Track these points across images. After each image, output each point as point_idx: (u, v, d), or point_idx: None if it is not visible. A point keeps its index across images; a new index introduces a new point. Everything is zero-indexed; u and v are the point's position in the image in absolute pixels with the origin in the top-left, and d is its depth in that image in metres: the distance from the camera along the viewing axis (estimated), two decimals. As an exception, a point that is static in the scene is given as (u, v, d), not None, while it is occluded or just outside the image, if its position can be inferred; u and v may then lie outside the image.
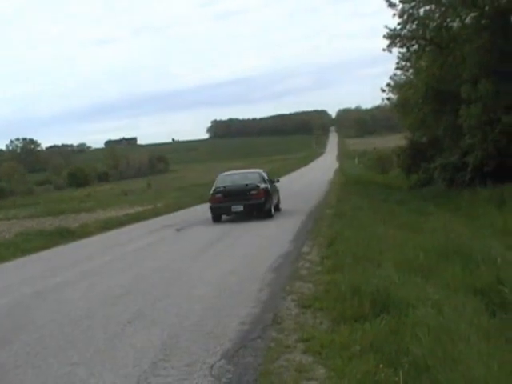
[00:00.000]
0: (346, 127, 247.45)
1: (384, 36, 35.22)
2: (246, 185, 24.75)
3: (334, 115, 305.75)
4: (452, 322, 7.13)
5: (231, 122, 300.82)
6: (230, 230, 21.69)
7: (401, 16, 34.11)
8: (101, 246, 21.16)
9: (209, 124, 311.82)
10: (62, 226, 26.71)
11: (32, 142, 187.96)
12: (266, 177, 26.74)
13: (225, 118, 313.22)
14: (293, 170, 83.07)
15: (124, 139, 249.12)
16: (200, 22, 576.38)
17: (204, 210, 31.24)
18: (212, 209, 24.84)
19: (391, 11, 34.30)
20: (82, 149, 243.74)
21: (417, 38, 34.87)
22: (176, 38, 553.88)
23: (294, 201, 30.36)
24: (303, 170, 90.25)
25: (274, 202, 26.09)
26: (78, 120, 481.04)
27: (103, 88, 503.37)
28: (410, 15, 34.00)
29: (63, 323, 9.69)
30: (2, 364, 7.79)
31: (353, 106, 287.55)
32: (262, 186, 24.94)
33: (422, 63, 37.03)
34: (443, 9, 32.95)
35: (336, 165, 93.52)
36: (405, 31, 34.73)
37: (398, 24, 34.51)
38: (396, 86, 45.49)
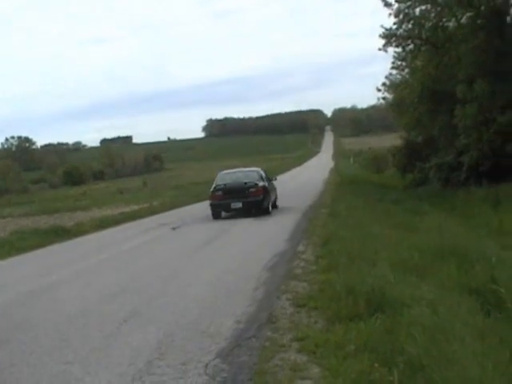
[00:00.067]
0: (341, 126, 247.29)
1: (380, 35, 35.28)
2: (245, 183, 25.60)
3: (329, 114, 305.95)
4: (447, 321, 7.14)
5: (227, 120, 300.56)
6: (226, 229, 21.69)
7: (396, 15, 34.14)
8: (96, 244, 21.15)
9: (204, 123, 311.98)
10: (57, 225, 26.70)
11: (27, 140, 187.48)
12: (264, 175, 27.46)
13: (220, 116, 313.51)
14: (288, 169, 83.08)
15: (119, 138, 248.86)
16: (197, 21, 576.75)
17: (200, 208, 31.45)
18: (212, 206, 25.55)
19: (387, 11, 34.35)
20: (78, 147, 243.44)
21: (412, 37, 34.91)
22: (173, 37, 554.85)
23: (288, 201, 30.29)
24: (298, 169, 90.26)
25: (272, 199, 26.87)
26: (73, 118, 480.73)
27: (99, 87, 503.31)
28: (406, 15, 34.03)
29: (58, 322, 9.68)
30: (-3, 362, 7.80)
31: (348, 106, 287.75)
32: (261, 184, 25.72)
33: (418, 63, 37.06)
34: (439, 8, 32.99)
35: (331, 164, 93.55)
36: (400, 31, 34.76)
37: (394, 23, 34.57)
38: (392, 86, 45.50)
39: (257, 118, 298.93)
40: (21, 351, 8.17)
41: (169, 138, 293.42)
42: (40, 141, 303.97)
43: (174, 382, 6.51)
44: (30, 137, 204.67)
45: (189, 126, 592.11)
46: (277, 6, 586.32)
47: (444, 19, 33.35)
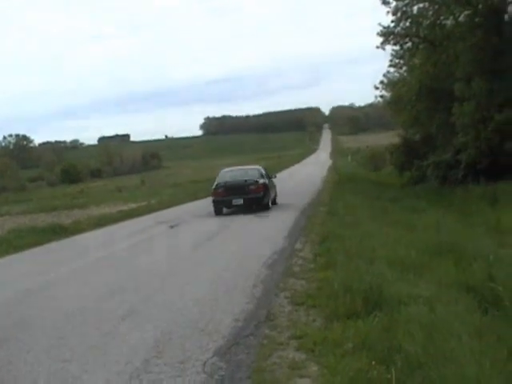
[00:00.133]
0: (339, 124, 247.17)
1: (378, 34, 35.34)
2: (246, 180, 26.51)
3: (327, 112, 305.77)
4: (444, 319, 7.15)
5: (224, 118, 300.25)
6: (224, 226, 21.71)
7: (394, 14, 34.19)
8: (94, 242, 21.12)
9: (202, 121, 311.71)
10: (55, 223, 26.66)
11: (25, 138, 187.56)
12: (264, 173, 28.32)
13: (218, 114, 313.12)
14: (286, 167, 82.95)
15: (117, 136, 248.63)
16: (195, 19, 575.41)
17: (198, 206, 31.57)
18: (214, 202, 26.41)
19: (385, 9, 34.38)
20: (75, 145, 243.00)
21: (410, 35, 34.96)
22: (170, 36, 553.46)
23: (286, 199, 30.32)
24: (296, 167, 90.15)
25: (272, 196, 27.72)
26: (70, 116, 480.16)
27: (96, 84, 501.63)
28: (404, 13, 34.08)
29: (56, 320, 9.68)
30: (-5, 361, 7.80)
31: (346, 104, 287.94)
32: (261, 181, 26.63)
33: (416, 61, 37.11)
34: (437, 6, 33.03)
35: (329, 162, 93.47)
36: (398, 29, 34.83)
37: (392, 22, 34.64)
38: (389, 84, 45.56)
39: (254, 116, 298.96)
40: (18, 349, 8.17)
41: (166, 136, 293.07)
42: (38, 139, 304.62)
43: (171, 380, 6.51)
44: (28, 135, 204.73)
45: (187, 124, 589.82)
46: (275, 4, 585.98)
47: (442, 17, 33.40)
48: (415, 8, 34.10)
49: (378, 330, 7.09)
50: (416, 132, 42.58)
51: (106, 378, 6.72)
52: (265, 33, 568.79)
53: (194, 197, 39.65)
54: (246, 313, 9.03)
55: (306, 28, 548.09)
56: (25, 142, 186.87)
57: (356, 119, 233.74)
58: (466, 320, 7.32)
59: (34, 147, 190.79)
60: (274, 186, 29.34)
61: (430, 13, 33.75)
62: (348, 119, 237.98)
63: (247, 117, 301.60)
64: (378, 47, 36.02)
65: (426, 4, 33.75)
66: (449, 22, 33.50)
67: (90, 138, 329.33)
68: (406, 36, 35.06)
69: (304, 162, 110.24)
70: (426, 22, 33.87)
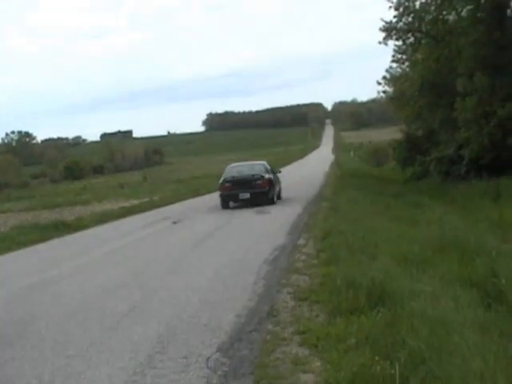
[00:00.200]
0: (341, 120, 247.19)
1: (380, 29, 35.27)
2: (252, 175, 27.58)
3: (329, 108, 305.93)
4: (448, 314, 7.14)
5: (227, 114, 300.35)
6: (227, 222, 21.74)
7: (397, 9, 34.13)
8: (97, 238, 21.17)
9: (204, 117, 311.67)
10: (58, 219, 26.69)
11: (27, 135, 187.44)
12: (269, 168, 29.32)
13: (220, 110, 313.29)
14: (288, 162, 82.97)
15: (119, 132, 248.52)
16: (196, 13, 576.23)
17: (200, 202, 31.70)
18: (222, 196, 27.43)
19: (387, 4, 34.33)
20: (78, 142, 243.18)
21: (413, 30, 34.89)
22: (172, 30, 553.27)
23: (289, 195, 30.50)
24: (299, 162, 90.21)
25: (276, 190, 28.71)
26: (73, 113, 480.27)
27: (99, 81, 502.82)
28: (406, 8, 34.02)
29: (59, 316, 9.70)
30: (-1, 357, 7.81)
31: (348, 99, 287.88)
32: (266, 176, 27.57)
33: (418, 56, 36.99)
34: (439, 1, 32.93)
35: (332, 157, 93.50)
36: (401, 24, 34.75)
37: (394, 17, 34.56)
38: (392, 79, 45.47)
39: (257, 111, 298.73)
40: (22, 345, 8.18)
41: (169, 132, 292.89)
42: (40, 135, 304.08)
43: (175, 375, 6.52)
44: (31, 131, 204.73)
45: (189, 120, 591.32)
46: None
47: (444, 12, 33.30)
48: (417, 3, 34.04)
49: (381, 326, 7.08)
50: (418, 127, 42.51)
51: (110, 374, 6.73)
52: (267, 29, 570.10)
53: (197, 193, 39.75)
54: (248, 309, 9.04)
55: (308, 23, 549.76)
56: (27, 139, 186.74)
57: (358, 115, 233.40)
58: (469, 315, 7.31)
59: (37, 144, 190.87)
60: (279, 181, 30.13)
61: (433, 8, 33.68)
62: (350, 115, 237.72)
63: (249, 113, 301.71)
64: (380, 42, 35.98)
65: (429, -1, 33.71)
66: (451, 17, 33.40)
67: (92, 134, 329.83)
68: (409, 31, 34.99)
69: (306, 157, 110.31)
70: (429, 17, 33.79)
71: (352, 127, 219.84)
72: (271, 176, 28.11)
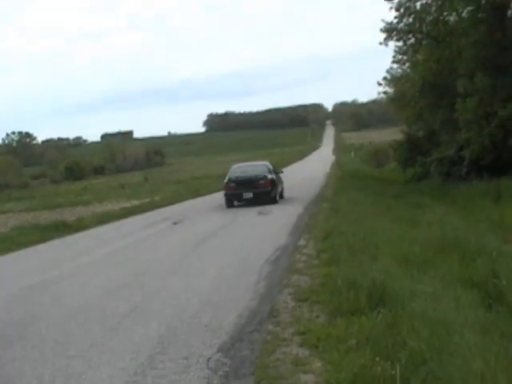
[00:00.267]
0: (342, 121, 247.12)
1: (381, 30, 35.30)
2: (256, 175, 28.37)
3: (330, 109, 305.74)
4: (448, 315, 7.15)
5: (227, 115, 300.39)
6: (228, 223, 21.74)
7: (397, 9, 34.14)
8: (97, 239, 21.16)
9: (205, 117, 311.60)
10: (58, 220, 26.67)
11: (28, 135, 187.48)
12: (271, 168, 29.97)
13: (221, 111, 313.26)
14: (289, 163, 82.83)
15: (120, 133, 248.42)
16: (196, 13, 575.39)
17: (201, 203, 31.77)
18: (226, 195, 28.28)
19: (388, 4, 34.34)
20: (78, 142, 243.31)
21: (413, 31, 34.89)
22: (172, 31, 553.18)
23: (290, 195, 30.65)
24: (300, 163, 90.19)
25: (279, 190, 29.46)
26: (73, 113, 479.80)
27: (99, 81, 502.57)
28: (407, 9, 34.03)
29: (60, 316, 9.70)
30: (-1, 357, 7.81)
31: (349, 100, 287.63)
32: (269, 176, 28.40)
33: (419, 57, 37.02)
34: (440, 2, 32.95)
35: (332, 158, 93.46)
36: (401, 25, 34.76)
37: (395, 17, 34.57)
38: (392, 80, 45.47)
39: (257, 112, 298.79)
40: (22, 346, 8.18)
41: (169, 133, 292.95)
42: (41, 136, 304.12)
43: (176, 376, 6.52)
44: (31, 132, 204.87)
45: (190, 120, 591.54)
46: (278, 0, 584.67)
47: (445, 13, 33.31)
48: (418, 4, 34.07)
49: (381, 326, 7.09)
50: (419, 128, 42.51)
51: (111, 374, 6.74)
52: (267, 29, 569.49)
53: (197, 193, 39.75)
54: (249, 309, 9.05)
55: (308, 24, 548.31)
56: (28, 140, 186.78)
57: (359, 115, 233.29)
58: (470, 316, 7.31)
59: (37, 144, 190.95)
60: (281, 181, 30.86)
61: (433, 9, 33.71)
62: (351, 115, 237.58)
63: (250, 113, 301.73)
64: (381, 43, 36.02)
65: (429, 0, 33.71)
66: (452, 18, 33.42)
67: (92, 134, 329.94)
68: (409, 32, 34.99)
69: (307, 158, 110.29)
70: (429, 18, 33.81)
71: (353, 128, 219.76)
72: (274, 176, 28.84)
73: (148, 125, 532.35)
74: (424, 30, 34.36)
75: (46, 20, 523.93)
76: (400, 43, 36.88)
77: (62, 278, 13.50)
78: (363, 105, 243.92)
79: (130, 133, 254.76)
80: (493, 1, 29.53)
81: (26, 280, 13.58)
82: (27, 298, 11.69)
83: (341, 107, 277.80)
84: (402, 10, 34.06)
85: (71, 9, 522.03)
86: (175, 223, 22.90)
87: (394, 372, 5.77)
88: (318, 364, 6.57)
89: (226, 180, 28.74)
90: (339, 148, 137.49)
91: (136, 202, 36.52)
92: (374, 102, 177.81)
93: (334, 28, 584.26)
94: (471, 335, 6.41)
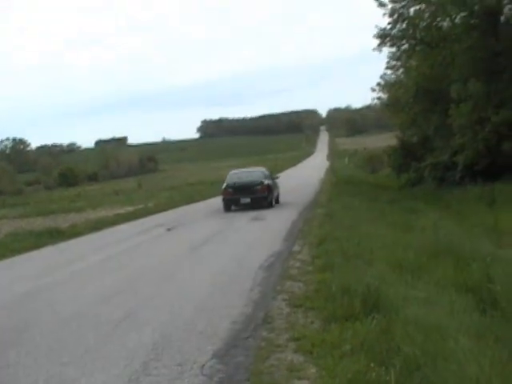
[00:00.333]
0: (336, 127, 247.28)
1: (374, 35, 35.39)
2: (252, 181, 29.16)
3: (324, 114, 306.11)
4: (443, 320, 7.15)
5: (221, 121, 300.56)
6: (222, 229, 21.72)
7: (391, 15, 34.25)
8: (91, 245, 21.09)
9: (199, 123, 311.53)
10: (52, 226, 26.59)
11: (21, 142, 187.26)
12: (268, 174, 31.11)
13: (215, 117, 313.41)
14: (283, 169, 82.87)
15: (114, 139, 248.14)
16: (190, 20, 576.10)
17: (195, 209, 31.75)
18: (224, 200, 29.02)
19: (382, 10, 34.42)
20: (72, 148, 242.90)
21: (407, 37, 35.00)
22: (168, 38, 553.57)
23: (284, 202, 30.72)
24: (294, 169, 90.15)
25: (275, 195, 30.30)
26: (67, 120, 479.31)
27: (93, 87, 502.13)
28: (400, 15, 34.14)
29: (54, 323, 9.66)
30: (-7, 364, 7.78)
31: (343, 106, 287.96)
32: (266, 182, 29.14)
33: (412, 62, 37.18)
34: (433, 8, 33.09)
35: (326, 164, 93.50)
36: (395, 31, 34.87)
37: (389, 23, 34.67)
38: (386, 86, 45.53)
39: (251, 118, 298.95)
40: (17, 352, 8.14)
41: (164, 139, 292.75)
42: (34, 142, 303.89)
43: (170, 382, 6.51)
44: (25, 138, 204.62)
45: (184, 126, 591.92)
46: (272, 7, 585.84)
47: (438, 19, 33.47)
48: (412, 10, 34.19)
49: (376, 332, 7.09)
50: (413, 134, 42.55)
51: (105, 381, 6.72)
52: (262, 36, 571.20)
53: (191, 199, 39.68)
54: (243, 315, 9.03)
55: (302, 30, 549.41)
56: (21, 146, 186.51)
57: (353, 121, 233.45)
58: (465, 321, 7.32)
59: (31, 151, 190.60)
60: (277, 186, 31.76)
61: (427, 14, 33.84)
62: (345, 121, 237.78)
63: (244, 119, 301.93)
64: (374, 49, 36.12)
65: (423, 6, 33.83)
66: (445, 24, 33.57)
67: (86, 141, 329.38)
68: (403, 38, 35.10)
69: (301, 164, 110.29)
70: (423, 24, 33.94)
71: (347, 134, 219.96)
72: (270, 182, 29.63)
73: (142, 131, 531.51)
74: (417, 35, 34.48)
75: (41, 24, 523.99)
76: (394, 49, 37.03)
77: (55, 285, 13.45)
78: (357, 110, 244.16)
79: (124, 139, 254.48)
80: (485, 6, 29.63)
81: (20, 286, 13.53)
82: (21, 304, 11.64)
83: (335, 113, 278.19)
84: (395, 16, 34.17)
85: (66, 15, 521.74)
86: (169, 229, 22.87)
87: (388, 378, 5.77)
88: (313, 370, 6.56)
89: (224, 186, 29.38)
90: (333, 154, 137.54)
91: (130, 209, 36.43)
92: (368, 107, 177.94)
93: (328, 34, 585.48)
94: (466, 340, 6.41)
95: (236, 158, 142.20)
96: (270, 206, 28.54)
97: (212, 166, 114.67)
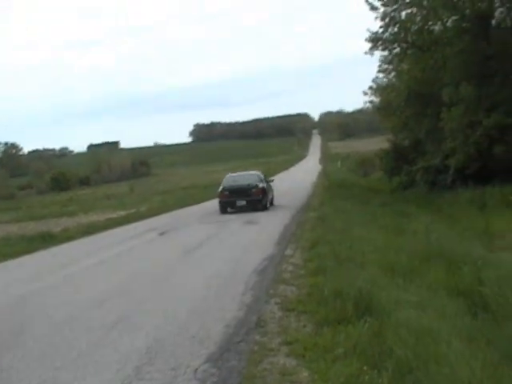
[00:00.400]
0: (328, 130, 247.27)
1: (366, 39, 35.37)
2: (248, 184, 30.06)
3: (316, 118, 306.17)
4: (435, 323, 7.18)
5: (214, 125, 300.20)
6: (215, 233, 21.71)
7: (383, 19, 34.25)
8: (83, 250, 21.06)
9: (191, 127, 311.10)
10: (44, 231, 26.57)
11: (13, 146, 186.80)
12: (262, 177, 32.10)
13: (207, 121, 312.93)
14: (275, 173, 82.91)
15: (106, 143, 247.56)
16: (182, 24, 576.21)
17: (187, 213, 31.79)
18: (221, 203, 30.02)
19: (373, 14, 34.48)
20: (64, 153, 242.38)
21: (398, 41, 35.01)
22: (158, 42, 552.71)
23: (277, 206, 30.87)
24: (286, 173, 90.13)
25: (270, 197, 31.29)
26: (59, 124, 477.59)
27: (85, 91, 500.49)
28: (392, 18, 34.14)
29: (46, 327, 9.65)
30: (-15, 369, 7.77)
31: (335, 109, 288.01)
32: (261, 185, 30.12)
33: (404, 66, 37.19)
34: (425, 12, 33.11)
35: (319, 168, 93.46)
36: (387, 34, 34.85)
37: (380, 27, 34.67)
38: (378, 89, 45.58)
39: (244, 122, 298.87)
40: (9, 358, 8.13)
41: (156, 143, 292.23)
42: (27, 147, 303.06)
43: (163, 387, 6.51)
44: (17, 143, 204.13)
45: (176, 130, 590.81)
46: (263, 9, 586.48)
47: (430, 22, 33.48)
48: (403, 13, 34.16)
49: (368, 335, 7.11)
50: (405, 137, 42.52)
51: (98, 386, 6.72)
52: (253, 40, 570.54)
53: (184, 204, 39.67)
54: (236, 319, 9.04)
55: (294, 34, 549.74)
56: (14, 151, 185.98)
57: (345, 125, 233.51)
58: (457, 324, 7.35)
59: (23, 155, 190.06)
60: (272, 189, 32.78)
61: (418, 18, 33.84)
62: (337, 125, 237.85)
63: (236, 123, 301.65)
64: (366, 53, 36.12)
65: (414, 9, 33.83)
66: (437, 28, 33.60)
67: (79, 145, 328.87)
68: (395, 41, 35.09)
69: (294, 168, 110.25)
70: (414, 28, 33.95)
71: (339, 137, 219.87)
72: (265, 185, 30.55)
73: (134, 135, 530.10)
74: (409, 39, 34.51)
75: (32, 29, 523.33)
76: (385, 53, 37.01)
77: (48, 289, 13.42)
78: (349, 114, 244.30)
79: (117, 143, 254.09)
80: (477, 10, 29.73)
81: (12, 291, 13.53)
82: (13, 308, 11.64)
83: (327, 117, 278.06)
84: (387, 20, 34.17)
85: (57, 20, 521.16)
86: (161, 234, 22.87)
87: (381, 381, 5.79)
88: (306, 374, 6.58)
89: (220, 189, 30.35)
90: (326, 157, 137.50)
91: (122, 213, 36.42)
92: (360, 111, 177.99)
93: (320, 38, 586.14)
94: (457, 343, 6.44)
95: (229, 162, 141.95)
96: (264, 208, 29.31)
97: (205, 170, 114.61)
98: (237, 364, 7.07)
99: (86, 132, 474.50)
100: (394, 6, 33.78)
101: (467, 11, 30.48)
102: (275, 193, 33.37)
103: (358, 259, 12.02)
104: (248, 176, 32.77)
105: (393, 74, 41.26)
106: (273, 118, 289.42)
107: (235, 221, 25.18)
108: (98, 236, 25.41)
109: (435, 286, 9.77)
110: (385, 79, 44.36)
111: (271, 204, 31.41)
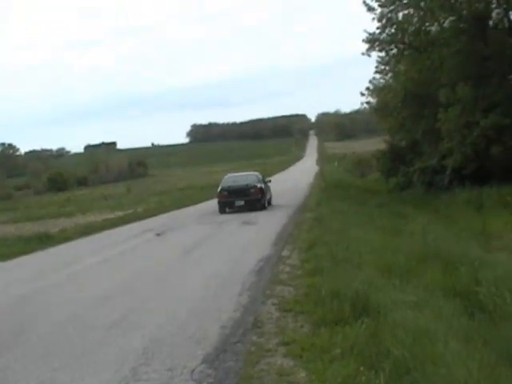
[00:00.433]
0: (325, 131, 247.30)
1: (363, 40, 35.33)
2: (246, 185, 30.61)
3: (313, 119, 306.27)
4: (432, 324, 7.18)
5: (211, 126, 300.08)
6: (213, 233, 21.72)
7: (380, 20, 34.21)
8: (81, 251, 21.05)
9: (189, 128, 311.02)
10: (41, 232, 26.55)
11: (11, 146, 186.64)
12: (261, 178, 32.58)
13: (205, 121, 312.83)
14: (272, 173, 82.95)
15: (104, 144, 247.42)
16: (182, 24, 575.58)
17: (184, 214, 31.78)
18: (219, 203, 30.54)
19: (370, 15, 34.47)
20: (61, 153, 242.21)
21: (395, 42, 34.97)
22: (158, 41, 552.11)
23: (274, 207, 30.93)
24: (283, 173, 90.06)
25: (267, 197, 31.86)
26: (57, 124, 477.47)
27: (83, 92, 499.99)
28: (389, 19, 34.11)
29: (44, 328, 9.66)
30: (-17, 370, 7.77)
31: (332, 110, 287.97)
32: (259, 185, 30.74)
33: (401, 67, 37.14)
34: (422, 13, 33.08)
35: (316, 169, 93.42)
36: (384, 35, 34.81)
37: (377, 28, 34.63)
38: (375, 90, 45.51)
39: (241, 123, 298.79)
40: (7, 359, 8.13)
41: (153, 144, 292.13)
42: (24, 147, 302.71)
43: (160, 387, 6.52)
44: (14, 143, 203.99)
45: (173, 131, 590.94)
46: (263, 9, 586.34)
47: (427, 23, 33.46)
48: (400, 14, 34.12)
49: (365, 336, 7.12)
50: (402, 138, 42.51)
51: (95, 387, 6.72)
52: (253, 40, 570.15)
53: (181, 204, 39.65)
54: (233, 320, 9.04)
55: (292, 35, 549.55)
56: (11, 151, 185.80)
57: (342, 126, 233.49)
58: (453, 324, 7.36)
59: (20, 156, 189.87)
60: (269, 189, 33.30)
61: (415, 19, 33.81)
62: (334, 126, 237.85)
63: (233, 124, 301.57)
64: (363, 54, 36.11)
65: (411, 10, 33.80)
66: (434, 29, 33.57)
67: (76, 146, 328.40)
68: (392, 42, 35.06)
69: (291, 168, 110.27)
70: (411, 29, 33.92)
71: (336, 138, 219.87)
72: (263, 185, 31.16)
73: (131, 136, 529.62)
74: (406, 40, 34.48)
75: (30, 29, 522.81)
76: (382, 53, 36.96)
77: (46, 290, 13.43)
78: (346, 115, 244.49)
79: (114, 144, 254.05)
80: (474, 10, 29.74)
81: (10, 292, 13.53)
82: (11, 309, 11.64)
83: (324, 117, 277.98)
84: (384, 21, 34.13)
85: (54, 18, 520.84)
86: (158, 234, 22.86)
87: (378, 381, 5.79)
88: (303, 374, 6.58)
89: (219, 189, 30.85)
90: (323, 158, 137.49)
91: (119, 214, 36.39)
92: (357, 112, 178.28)
93: (320, 38, 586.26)
94: (454, 343, 6.44)
95: (226, 163, 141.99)
96: (263, 207, 29.86)
97: (202, 171, 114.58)
98: (234, 365, 7.08)
99: (84, 132, 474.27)
100: (391, 7, 33.74)
101: (464, 12, 30.46)
102: (273, 193, 33.49)
103: (355, 260, 12.03)
104: (246, 176, 33.29)
105: (390, 74, 41.21)
106: (270, 119, 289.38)
107: (233, 221, 25.21)
108: (95, 237, 25.40)
109: (432, 286, 9.77)
110: (382, 80, 44.34)
111: (269, 204, 31.83)
